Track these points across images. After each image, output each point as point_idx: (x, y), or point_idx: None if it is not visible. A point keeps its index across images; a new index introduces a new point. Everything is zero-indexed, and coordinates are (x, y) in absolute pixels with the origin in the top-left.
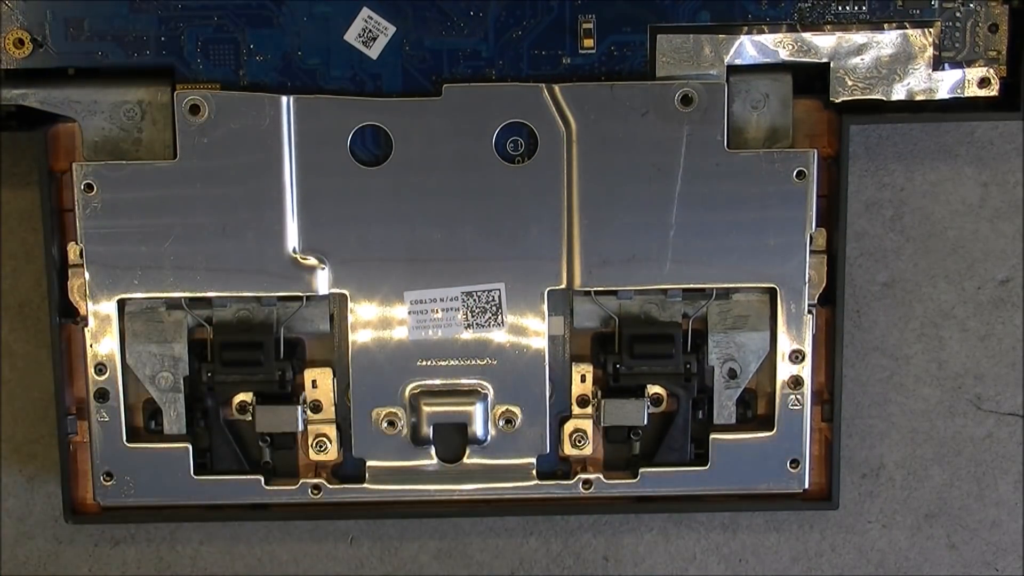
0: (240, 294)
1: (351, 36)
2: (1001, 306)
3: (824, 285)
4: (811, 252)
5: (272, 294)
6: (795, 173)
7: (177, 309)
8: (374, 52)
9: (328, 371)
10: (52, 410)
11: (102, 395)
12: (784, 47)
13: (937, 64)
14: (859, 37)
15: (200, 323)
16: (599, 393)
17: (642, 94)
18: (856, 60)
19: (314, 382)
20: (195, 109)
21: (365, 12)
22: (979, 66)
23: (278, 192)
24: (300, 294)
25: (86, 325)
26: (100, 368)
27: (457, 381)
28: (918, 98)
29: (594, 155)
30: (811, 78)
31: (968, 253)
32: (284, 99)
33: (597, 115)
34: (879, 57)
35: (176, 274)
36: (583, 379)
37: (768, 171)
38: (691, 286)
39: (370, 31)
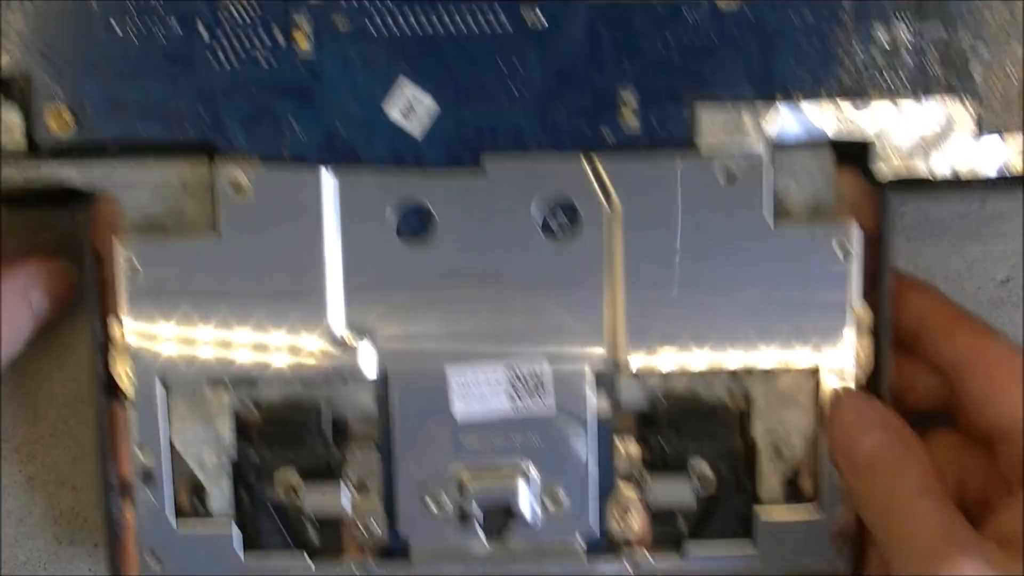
0: (285, 374)
1: (392, 110)
2: (1001, 306)
3: (868, 362)
4: (854, 328)
5: (317, 373)
6: (837, 248)
7: (222, 389)
8: (415, 126)
9: (373, 450)
10: (52, 410)
11: (147, 475)
12: (825, 119)
13: (979, 135)
14: (900, 108)
15: (245, 403)
16: (644, 471)
17: (684, 167)
18: (897, 132)
19: (359, 462)
20: (237, 185)
21: (406, 86)
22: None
23: (321, 268)
24: (344, 374)
25: (130, 405)
26: (145, 448)
27: (502, 460)
28: (960, 170)
29: (637, 230)
30: (852, 149)
31: (968, 253)
32: (325, 174)
33: (639, 188)
34: (920, 129)
35: (220, 353)
36: (628, 456)
37: (810, 246)
38: (736, 365)
39: (411, 105)
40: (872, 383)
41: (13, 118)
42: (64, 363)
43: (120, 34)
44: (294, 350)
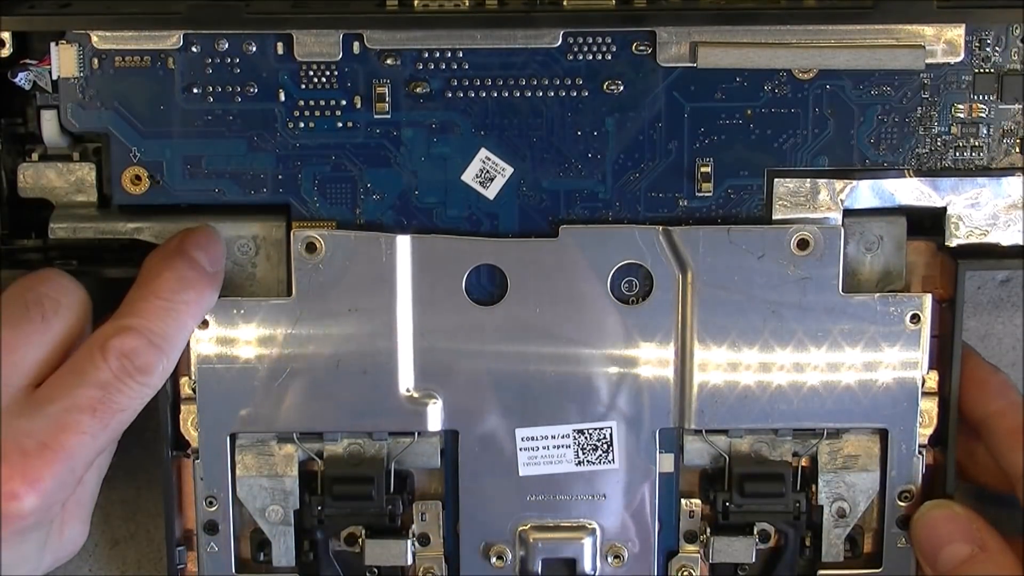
0: (352, 430)
1: (468, 176)
2: (1001, 306)
3: (935, 427)
4: (923, 394)
5: (384, 430)
6: (909, 317)
7: (288, 443)
8: (491, 192)
9: (437, 504)
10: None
11: (211, 527)
12: (900, 191)
13: None
14: (976, 183)
15: (311, 457)
16: (707, 529)
17: (759, 238)
18: (972, 205)
19: (423, 515)
20: (311, 248)
21: (483, 153)
22: None
23: (392, 330)
24: (412, 430)
25: (197, 458)
26: (210, 500)
27: (566, 516)
28: None
29: (709, 297)
30: (925, 219)
31: None
32: (400, 238)
33: (713, 258)
34: (996, 203)
35: (288, 410)
36: (691, 515)
37: (882, 314)
38: (802, 426)
39: (487, 172)
40: (938, 448)
41: (88, 177)
42: None
43: (198, 97)
44: (363, 408)
